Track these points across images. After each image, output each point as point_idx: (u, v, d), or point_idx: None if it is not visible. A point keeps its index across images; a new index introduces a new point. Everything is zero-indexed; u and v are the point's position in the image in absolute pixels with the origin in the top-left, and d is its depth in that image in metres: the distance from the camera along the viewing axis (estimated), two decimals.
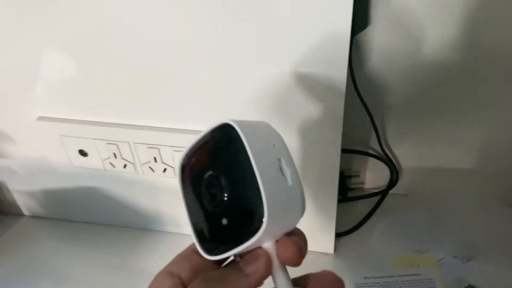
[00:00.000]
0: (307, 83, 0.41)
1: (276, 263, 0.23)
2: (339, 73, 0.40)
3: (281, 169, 0.22)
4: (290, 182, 0.22)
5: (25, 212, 0.66)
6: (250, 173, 0.21)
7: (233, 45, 0.41)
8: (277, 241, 0.23)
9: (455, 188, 0.56)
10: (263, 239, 0.23)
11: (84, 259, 0.60)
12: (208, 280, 0.23)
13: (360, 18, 0.46)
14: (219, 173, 0.23)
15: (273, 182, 0.22)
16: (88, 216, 0.63)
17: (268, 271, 0.23)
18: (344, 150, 0.59)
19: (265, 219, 0.21)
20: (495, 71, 0.50)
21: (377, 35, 0.49)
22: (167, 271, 0.25)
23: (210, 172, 0.24)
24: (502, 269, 0.51)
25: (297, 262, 0.23)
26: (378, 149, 0.59)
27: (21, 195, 0.63)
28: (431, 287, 0.51)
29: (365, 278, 0.53)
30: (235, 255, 0.24)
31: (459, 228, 0.56)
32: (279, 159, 0.22)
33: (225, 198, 0.23)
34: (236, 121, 0.23)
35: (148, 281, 0.25)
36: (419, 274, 0.53)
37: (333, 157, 0.48)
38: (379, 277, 0.53)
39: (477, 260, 0.53)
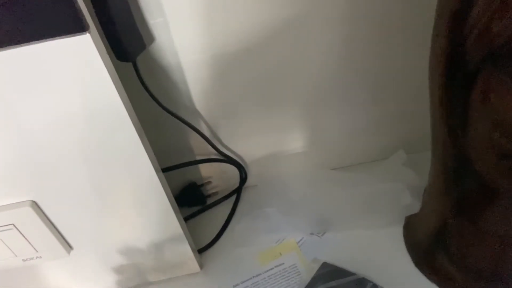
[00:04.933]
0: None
1: None
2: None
3: None
4: None
5: None
6: None
7: None
8: None
9: (294, 170, 0.59)
10: None
11: None
12: None
13: (135, 44, 0.43)
14: None
15: None
16: None
17: None
18: (185, 164, 0.58)
19: None
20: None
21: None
22: None
23: None
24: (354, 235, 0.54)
25: None
26: (217, 152, 0.59)
27: None
28: (296, 273, 0.53)
29: (234, 286, 0.53)
30: None
31: (309, 207, 0.58)
32: None
33: None
34: None
35: None
36: (283, 263, 0.54)
37: (156, 187, 0.45)
38: (247, 280, 0.53)
39: (332, 231, 0.56)
